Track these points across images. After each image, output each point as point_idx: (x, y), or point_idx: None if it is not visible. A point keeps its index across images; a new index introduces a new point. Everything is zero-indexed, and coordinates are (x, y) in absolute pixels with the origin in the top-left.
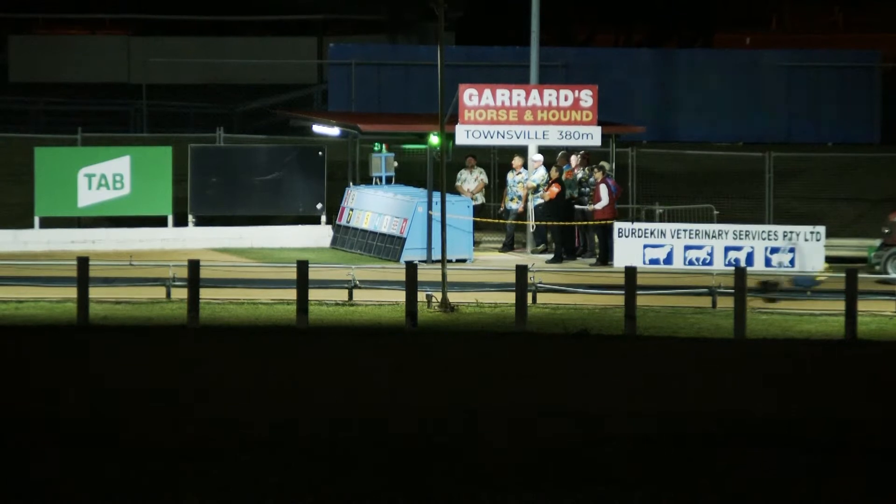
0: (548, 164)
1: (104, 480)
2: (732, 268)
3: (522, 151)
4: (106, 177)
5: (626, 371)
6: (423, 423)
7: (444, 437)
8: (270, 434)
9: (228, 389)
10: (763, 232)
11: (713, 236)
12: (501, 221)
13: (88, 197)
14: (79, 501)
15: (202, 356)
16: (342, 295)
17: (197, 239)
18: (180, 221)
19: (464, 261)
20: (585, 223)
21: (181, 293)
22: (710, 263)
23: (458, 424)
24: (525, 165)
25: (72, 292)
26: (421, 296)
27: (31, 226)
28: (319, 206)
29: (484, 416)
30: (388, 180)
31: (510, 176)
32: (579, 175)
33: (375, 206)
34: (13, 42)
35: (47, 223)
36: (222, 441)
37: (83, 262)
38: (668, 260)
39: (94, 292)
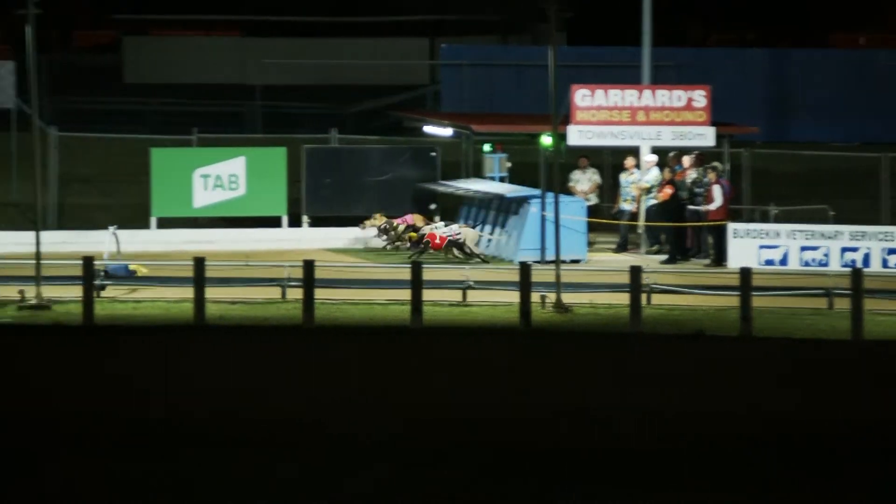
0: (660, 165)
1: (231, 479)
2: (849, 269)
3: (635, 152)
4: (221, 177)
5: (741, 372)
6: (519, 424)
7: (547, 441)
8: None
9: (329, 392)
10: (880, 233)
11: (829, 237)
12: (615, 222)
13: (204, 197)
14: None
15: (312, 357)
16: (457, 295)
17: (311, 239)
18: (294, 222)
19: (577, 261)
20: (699, 224)
21: (296, 293)
22: (827, 264)
23: (550, 424)
24: (637, 166)
25: (188, 292)
26: (535, 296)
27: (147, 226)
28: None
29: (579, 417)
30: (502, 181)
31: (623, 177)
32: (693, 176)
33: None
34: (128, 44)
35: (164, 223)
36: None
37: (199, 262)
38: (784, 261)
39: (211, 292)
